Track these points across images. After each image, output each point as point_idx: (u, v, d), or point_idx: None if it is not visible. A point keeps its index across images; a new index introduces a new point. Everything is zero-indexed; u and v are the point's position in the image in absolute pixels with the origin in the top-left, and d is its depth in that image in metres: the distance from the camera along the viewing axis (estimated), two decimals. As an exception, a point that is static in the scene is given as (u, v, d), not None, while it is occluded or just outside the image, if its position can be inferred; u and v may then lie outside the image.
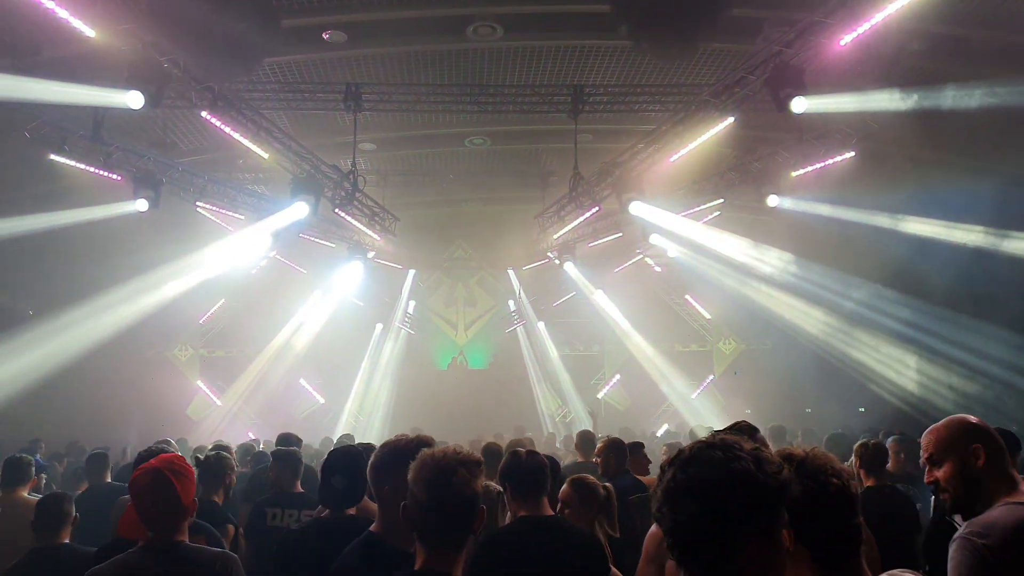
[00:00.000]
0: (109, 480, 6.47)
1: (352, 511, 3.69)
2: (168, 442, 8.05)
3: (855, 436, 9.88)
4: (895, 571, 1.93)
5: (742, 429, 3.78)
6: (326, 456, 3.93)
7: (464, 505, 2.23)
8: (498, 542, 3.52)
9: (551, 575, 3.37)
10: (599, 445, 6.24)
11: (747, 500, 1.49)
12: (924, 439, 2.84)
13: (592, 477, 4.42)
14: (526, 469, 3.78)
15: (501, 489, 3.95)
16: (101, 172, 10.10)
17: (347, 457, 3.79)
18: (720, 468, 1.50)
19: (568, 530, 3.66)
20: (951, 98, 8.56)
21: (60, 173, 10.05)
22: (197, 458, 5.57)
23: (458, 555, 2.25)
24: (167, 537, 2.94)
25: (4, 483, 5.40)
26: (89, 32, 7.11)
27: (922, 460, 2.85)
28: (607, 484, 4.44)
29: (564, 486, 4.23)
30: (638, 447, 6.72)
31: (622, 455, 5.97)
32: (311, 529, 3.77)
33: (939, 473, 2.75)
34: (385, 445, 3.02)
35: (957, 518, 4.07)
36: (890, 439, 6.61)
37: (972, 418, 2.84)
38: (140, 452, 4.49)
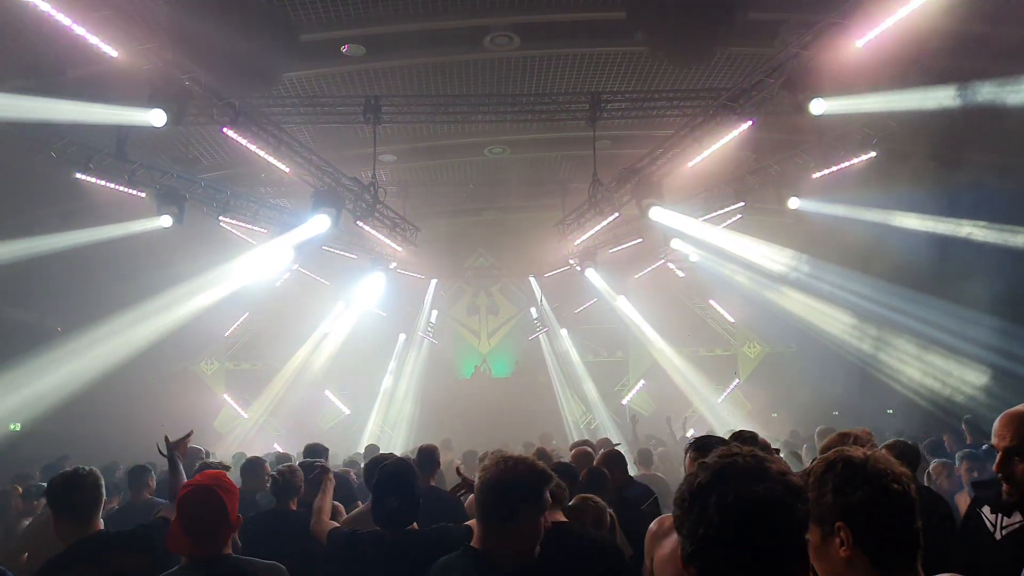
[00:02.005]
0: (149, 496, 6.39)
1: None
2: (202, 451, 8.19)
3: (881, 436, 9.76)
4: None
5: (746, 439, 3.76)
6: (376, 474, 3.79)
7: None
8: None
9: None
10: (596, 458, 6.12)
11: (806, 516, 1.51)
12: (1007, 425, 2.57)
13: (600, 501, 4.27)
14: None
15: None
16: (125, 189, 10.25)
17: (398, 478, 3.68)
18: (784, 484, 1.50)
19: None
20: (973, 96, 8.45)
21: (85, 191, 10.21)
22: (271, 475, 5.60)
23: None
24: (215, 551, 2.99)
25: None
26: (112, 53, 7.24)
27: (999, 445, 2.57)
28: (611, 513, 4.28)
29: (574, 500, 4.13)
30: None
31: (621, 466, 5.88)
32: (369, 540, 3.66)
33: (1020, 467, 2.50)
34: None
35: (985, 511, 3.99)
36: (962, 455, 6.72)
37: None
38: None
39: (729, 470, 1.50)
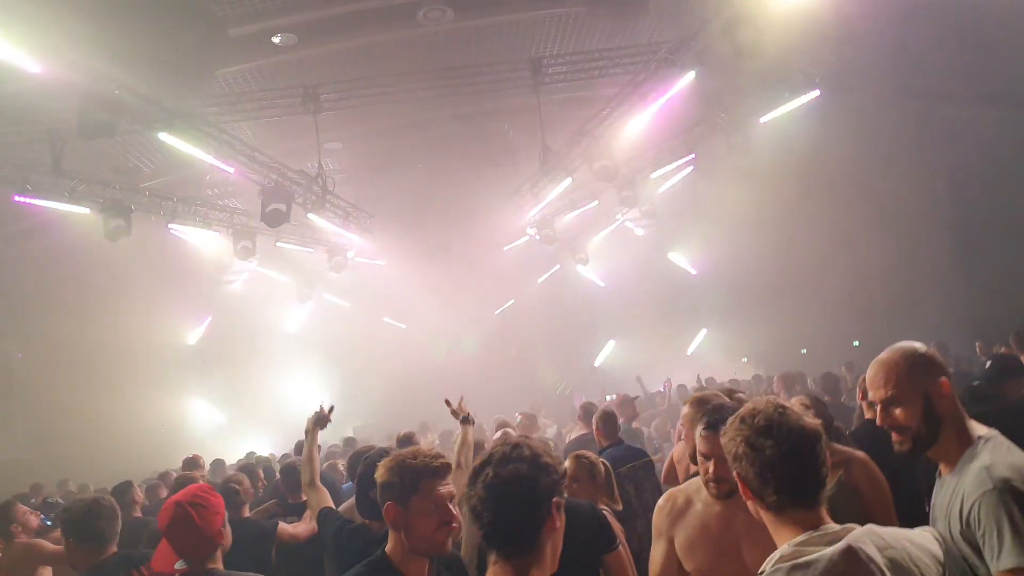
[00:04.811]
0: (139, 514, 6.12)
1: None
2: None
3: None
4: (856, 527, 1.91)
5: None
6: (360, 466, 3.75)
7: None
8: None
9: None
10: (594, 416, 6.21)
11: (551, 486, 2.04)
12: (876, 375, 2.44)
13: (591, 454, 4.41)
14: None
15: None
16: (68, 207, 9.93)
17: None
18: (533, 463, 2.03)
19: None
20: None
21: (26, 211, 9.89)
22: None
23: None
24: (199, 566, 2.96)
25: None
26: (33, 68, 6.96)
27: (877, 397, 2.44)
28: (604, 461, 4.42)
29: (568, 462, 4.22)
30: None
31: (613, 425, 5.96)
32: (359, 535, 3.61)
33: (899, 413, 2.38)
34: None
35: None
36: None
37: (921, 345, 2.45)
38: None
39: (494, 455, 2.07)
